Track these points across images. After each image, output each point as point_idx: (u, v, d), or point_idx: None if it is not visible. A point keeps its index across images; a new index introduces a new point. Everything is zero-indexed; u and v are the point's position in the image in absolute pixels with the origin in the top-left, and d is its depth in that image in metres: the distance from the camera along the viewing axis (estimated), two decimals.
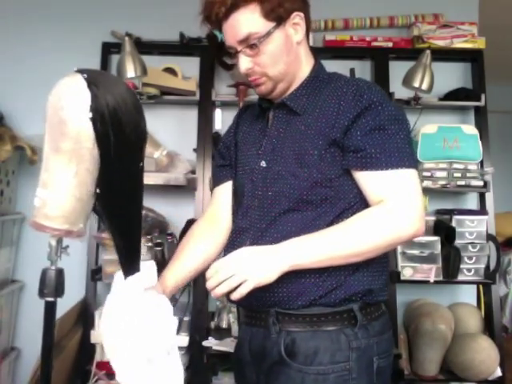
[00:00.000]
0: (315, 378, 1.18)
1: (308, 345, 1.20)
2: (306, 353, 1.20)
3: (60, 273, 1.05)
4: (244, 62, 1.26)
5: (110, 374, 2.40)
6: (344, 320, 1.21)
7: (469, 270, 2.63)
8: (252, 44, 1.23)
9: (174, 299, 2.63)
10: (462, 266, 2.60)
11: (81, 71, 1.03)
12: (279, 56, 1.26)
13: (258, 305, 1.25)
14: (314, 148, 1.22)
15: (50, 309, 1.05)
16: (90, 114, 0.99)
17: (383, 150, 1.18)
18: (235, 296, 1.10)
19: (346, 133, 1.21)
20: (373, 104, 1.20)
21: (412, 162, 1.20)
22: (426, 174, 2.63)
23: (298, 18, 1.27)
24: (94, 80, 1.01)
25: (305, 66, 1.33)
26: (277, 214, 1.25)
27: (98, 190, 1.05)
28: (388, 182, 1.18)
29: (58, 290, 1.04)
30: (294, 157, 1.24)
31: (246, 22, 1.22)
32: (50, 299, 1.05)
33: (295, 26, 1.27)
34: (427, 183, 2.63)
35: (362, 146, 1.19)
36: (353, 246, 1.16)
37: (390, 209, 1.16)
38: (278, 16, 1.23)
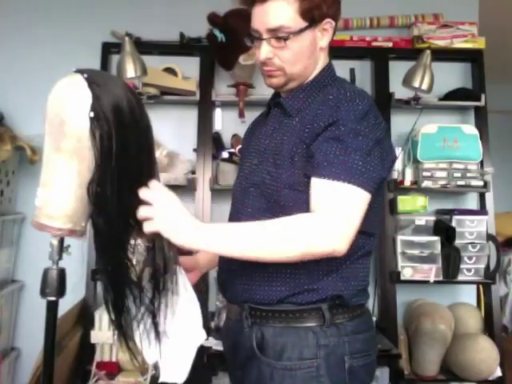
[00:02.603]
0: (283, 374, 1.20)
1: (277, 340, 1.23)
2: (275, 348, 1.22)
3: (62, 272, 1.05)
4: (265, 51, 1.25)
5: (110, 374, 2.40)
6: (313, 317, 1.22)
7: (469, 270, 2.63)
8: (280, 36, 1.22)
9: None
10: (462, 266, 2.61)
11: (81, 71, 1.03)
12: (301, 56, 1.26)
13: (235, 299, 1.31)
14: (288, 150, 1.23)
15: (52, 309, 1.05)
16: (92, 114, 0.99)
17: (332, 160, 1.15)
18: (145, 228, 1.08)
19: (315, 140, 1.20)
20: (345, 118, 1.17)
21: (360, 180, 1.14)
22: (425, 173, 2.63)
23: (328, 24, 1.27)
24: (94, 79, 1.02)
25: (318, 69, 1.32)
26: (255, 210, 1.28)
27: (98, 189, 1.04)
28: (325, 191, 1.14)
29: (60, 290, 1.04)
30: (272, 157, 1.26)
31: (282, 13, 1.21)
32: (52, 299, 1.04)
33: (324, 32, 1.27)
34: (427, 183, 2.63)
35: (315, 152, 1.18)
36: (262, 247, 1.12)
37: (316, 220, 1.12)
38: (312, 17, 1.23)
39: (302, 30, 1.22)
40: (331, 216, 1.12)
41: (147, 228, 1.07)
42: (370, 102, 1.22)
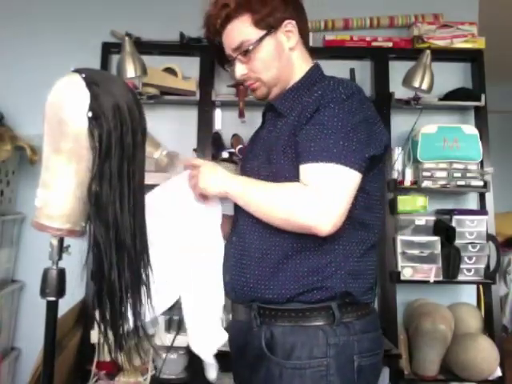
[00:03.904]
0: (292, 373, 1.21)
1: (286, 339, 1.23)
2: (284, 347, 1.23)
3: (61, 272, 1.05)
4: (239, 69, 1.36)
5: (110, 374, 2.40)
6: (322, 316, 1.23)
7: (469, 270, 2.63)
8: (244, 51, 1.31)
9: None
10: (462, 266, 2.60)
11: (79, 70, 1.03)
12: (271, 62, 1.33)
13: (242, 299, 1.31)
14: (280, 145, 1.26)
15: (51, 309, 1.05)
16: (90, 113, 0.99)
17: (312, 144, 1.18)
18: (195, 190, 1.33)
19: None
20: (327, 103, 1.21)
21: (341, 158, 1.16)
22: (425, 173, 2.63)
23: (289, 25, 1.34)
24: (92, 79, 1.02)
25: (299, 71, 1.38)
26: None
27: (97, 188, 1.04)
28: (310, 175, 1.18)
29: (60, 290, 1.04)
30: (266, 155, 1.30)
31: (239, 31, 1.32)
32: (52, 299, 1.04)
33: (287, 33, 1.34)
34: (427, 183, 2.63)
35: (300, 141, 1.22)
36: (260, 204, 1.23)
37: (305, 193, 1.16)
38: (268, 25, 1.31)
39: (261, 39, 1.31)
40: (318, 193, 1.15)
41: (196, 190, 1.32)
42: (355, 89, 1.25)
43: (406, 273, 2.59)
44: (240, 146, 2.62)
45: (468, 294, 2.85)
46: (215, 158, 2.70)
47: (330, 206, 1.14)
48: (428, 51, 2.62)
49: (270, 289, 1.24)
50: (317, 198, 1.15)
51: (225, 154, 2.67)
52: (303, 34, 1.38)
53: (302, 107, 1.26)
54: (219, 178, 1.30)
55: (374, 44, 2.86)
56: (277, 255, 1.25)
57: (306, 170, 1.19)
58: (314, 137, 1.19)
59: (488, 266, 2.65)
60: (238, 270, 1.31)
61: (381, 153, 1.26)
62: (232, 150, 2.67)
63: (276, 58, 1.33)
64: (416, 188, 2.65)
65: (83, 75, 1.01)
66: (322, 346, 1.21)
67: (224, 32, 1.34)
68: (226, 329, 1.41)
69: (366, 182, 1.23)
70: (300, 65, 1.38)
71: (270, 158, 1.28)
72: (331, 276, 1.23)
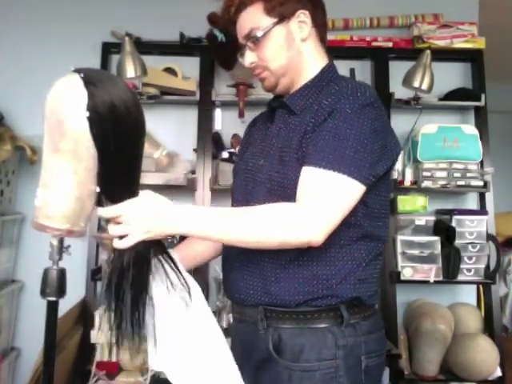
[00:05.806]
0: (301, 375, 1.20)
1: (294, 341, 1.22)
2: (293, 349, 1.21)
3: (62, 272, 1.05)
4: (248, 56, 1.33)
5: (110, 374, 2.40)
6: (331, 318, 1.22)
7: (469, 270, 2.63)
8: (254, 37, 1.29)
9: None
10: (462, 266, 2.60)
11: (78, 70, 1.02)
12: (279, 50, 1.30)
13: (247, 301, 1.28)
14: (293, 146, 1.24)
15: (52, 309, 1.05)
16: (88, 113, 0.99)
17: (321, 148, 1.16)
18: (117, 245, 1.09)
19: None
20: (343, 108, 1.18)
21: (348, 169, 1.13)
22: (425, 173, 2.63)
23: (302, 15, 1.30)
24: (91, 79, 1.01)
25: (311, 65, 1.34)
26: (257, 203, 1.26)
27: (97, 189, 1.05)
28: (310, 179, 1.15)
29: (60, 290, 1.04)
30: (279, 154, 1.27)
31: (250, 17, 1.30)
32: (52, 299, 1.04)
33: (300, 24, 1.31)
34: (427, 183, 2.63)
35: (310, 143, 1.20)
36: (238, 234, 1.14)
37: (295, 212, 1.13)
38: (279, 13, 1.28)
39: (271, 27, 1.28)
40: (311, 206, 1.12)
41: (125, 244, 1.09)
42: (373, 96, 1.22)
43: (406, 273, 2.59)
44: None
45: (468, 294, 2.85)
46: (215, 157, 2.70)
47: (322, 219, 1.11)
48: (428, 51, 2.62)
49: (280, 295, 1.22)
50: (308, 214, 1.11)
51: (225, 154, 2.67)
52: (318, 27, 1.34)
53: (318, 108, 1.23)
54: (161, 216, 1.14)
55: (374, 44, 2.86)
56: (285, 260, 1.22)
57: (308, 173, 1.16)
58: (325, 141, 1.16)
59: (488, 266, 2.65)
60: (243, 273, 1.28)
61: (391, 165, 1.25)
62: (232, 150, 2.67)
63: (285, 47, 1.30)
64: (416, 188, 2.65)
65: (82, 75, 1.01)
66: (331, 347, 1.20)
67: (238, 21, 1.32)
68: (229, 329, 1.40)
69: (369, 194, 1.21)
70: (312, 58, 1.34)
71: (283, 160, 1.24)
72: (340, 283, 1.21)
